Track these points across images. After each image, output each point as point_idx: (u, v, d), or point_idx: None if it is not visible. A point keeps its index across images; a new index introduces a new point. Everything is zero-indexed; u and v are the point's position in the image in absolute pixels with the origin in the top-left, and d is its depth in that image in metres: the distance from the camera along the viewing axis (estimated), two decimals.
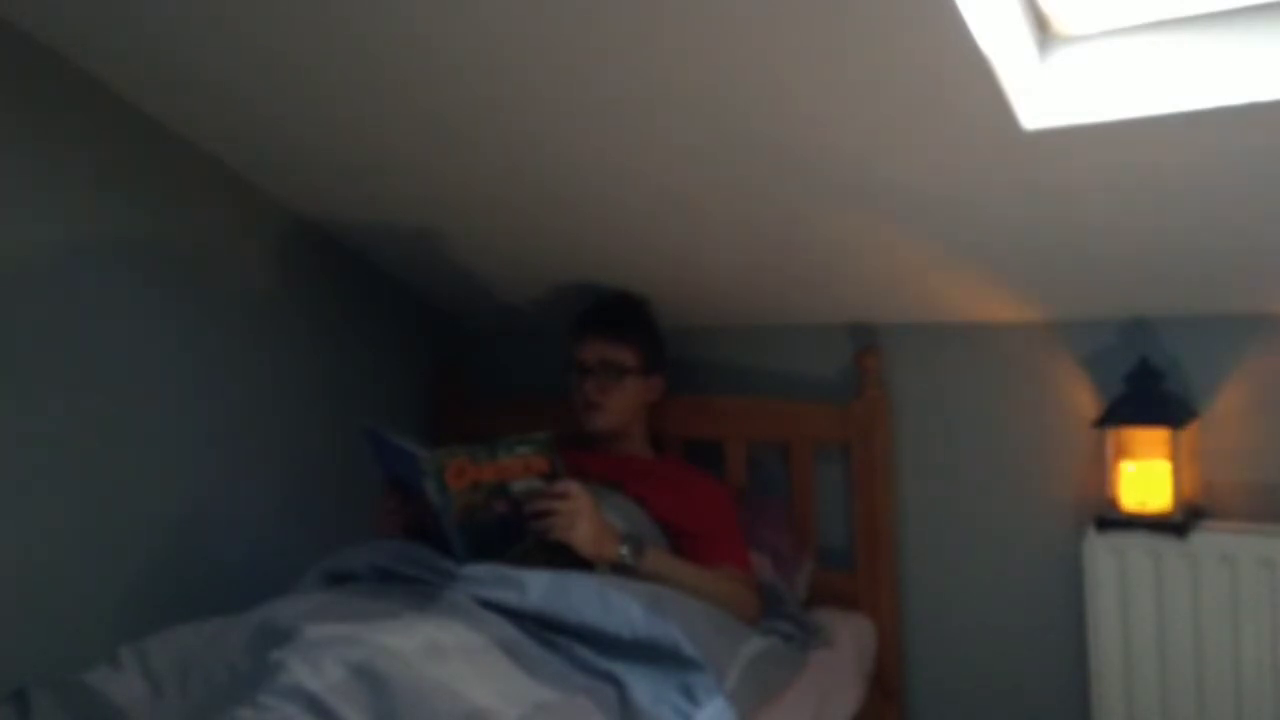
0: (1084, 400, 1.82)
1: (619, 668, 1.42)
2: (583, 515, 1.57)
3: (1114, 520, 1.70)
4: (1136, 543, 1.68)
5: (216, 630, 1.42)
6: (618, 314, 2.02)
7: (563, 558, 1.57)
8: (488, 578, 1.49)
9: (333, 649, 1.25)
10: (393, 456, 1.64)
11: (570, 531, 1.55)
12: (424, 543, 1.63)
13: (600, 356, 1.95)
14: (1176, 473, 1.66)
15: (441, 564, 1.55)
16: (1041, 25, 1.41)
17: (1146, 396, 1.68)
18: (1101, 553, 1.71)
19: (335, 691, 1.19)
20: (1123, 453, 1.73)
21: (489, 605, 1.45)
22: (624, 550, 1.61)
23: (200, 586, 1.92)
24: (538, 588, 1.47)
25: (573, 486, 1.59)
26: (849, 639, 1.86)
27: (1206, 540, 1.64)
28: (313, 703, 1.17)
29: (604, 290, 2.14)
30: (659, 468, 1.98)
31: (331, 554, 1.68)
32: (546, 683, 1.34)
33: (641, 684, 1.39)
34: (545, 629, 1.45)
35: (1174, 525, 1.65)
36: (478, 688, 1.26)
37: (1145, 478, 1.70)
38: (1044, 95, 1.38)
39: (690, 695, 1.37)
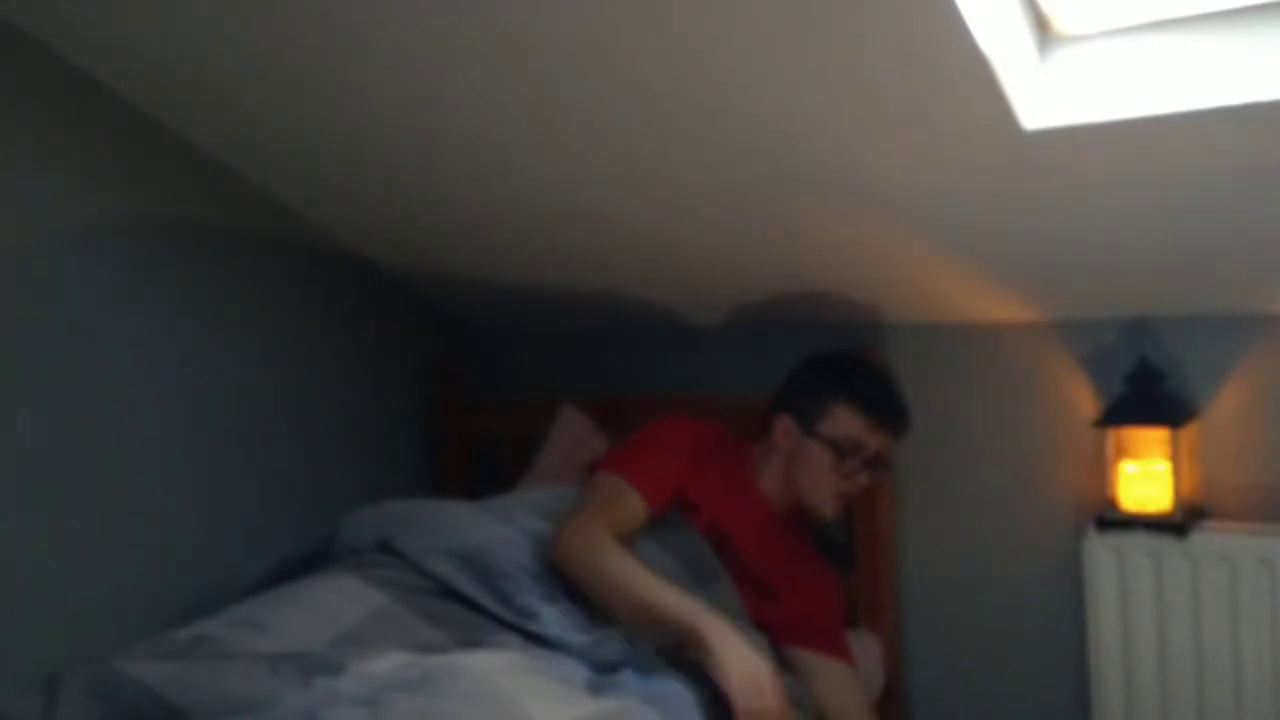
0: (1084, 400, 1.82)
1: None
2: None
3: (1114, 520, 1.70)
4: (1136, 543, 1.68)
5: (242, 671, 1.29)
6: (907, 413, 1.81)
7: None
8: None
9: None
10: None
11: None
12: None
13: (885, 454, 1.77)
14: (1176, 473, 1.66)
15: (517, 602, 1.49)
16: (1041, 25, 1.41)
17: (1146, 396, 1.68)
18: (1101, 553, 1.71)
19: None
20: (1123, 453, 1.73)
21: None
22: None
23: (200, 586, 1.92)
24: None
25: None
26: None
27: (1206, 540, 1.64)
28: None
29: (880, 372, 1.84)
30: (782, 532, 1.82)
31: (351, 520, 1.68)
32: (608, 697, 1.33)
33: None
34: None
35: (1174, 525, 1.65)
36: (533, 701, 1.25)
37: (1145, 478, 1.70)
38: (1044, 95, 1.38)
39: None
